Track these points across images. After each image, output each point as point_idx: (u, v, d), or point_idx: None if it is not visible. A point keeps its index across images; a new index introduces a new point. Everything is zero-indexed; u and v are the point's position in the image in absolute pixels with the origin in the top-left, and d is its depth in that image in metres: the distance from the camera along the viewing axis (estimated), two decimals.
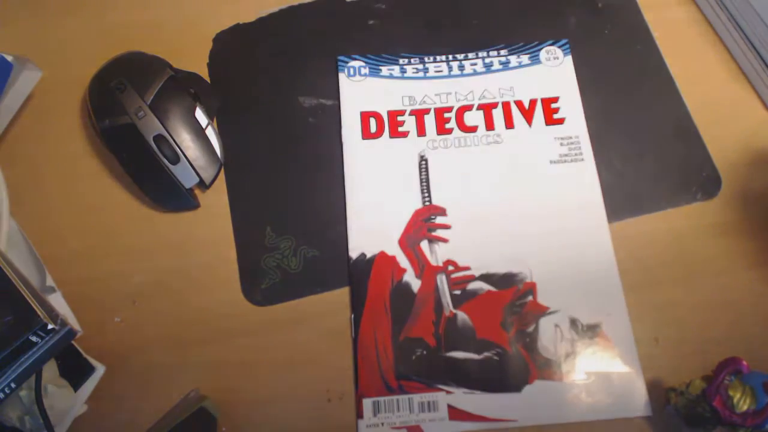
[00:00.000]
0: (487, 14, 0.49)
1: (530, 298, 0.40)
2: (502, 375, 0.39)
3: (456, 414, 0.38)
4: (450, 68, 0.48)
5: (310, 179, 0.45)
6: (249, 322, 0.41)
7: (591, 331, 0.39)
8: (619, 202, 0.43)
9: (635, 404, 0.38)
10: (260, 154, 0.46)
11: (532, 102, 0.46)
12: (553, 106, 0.46)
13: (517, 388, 0.38)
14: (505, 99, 0.46)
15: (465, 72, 0.47)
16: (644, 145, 0.45)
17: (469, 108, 0.46)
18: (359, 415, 0.38)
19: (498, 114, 0.46)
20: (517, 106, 0.46)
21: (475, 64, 0.48)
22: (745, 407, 0.33)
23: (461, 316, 0.40)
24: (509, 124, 0.45)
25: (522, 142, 0.45)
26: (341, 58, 0.48)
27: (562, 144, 0.45)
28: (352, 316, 0.41)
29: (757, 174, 0.44)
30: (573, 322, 0.40)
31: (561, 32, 0.48)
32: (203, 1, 0.51)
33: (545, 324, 0.40)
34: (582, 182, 0.44)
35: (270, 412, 0.39)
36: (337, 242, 0.43)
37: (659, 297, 0.41)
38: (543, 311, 0.40)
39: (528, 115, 0.46)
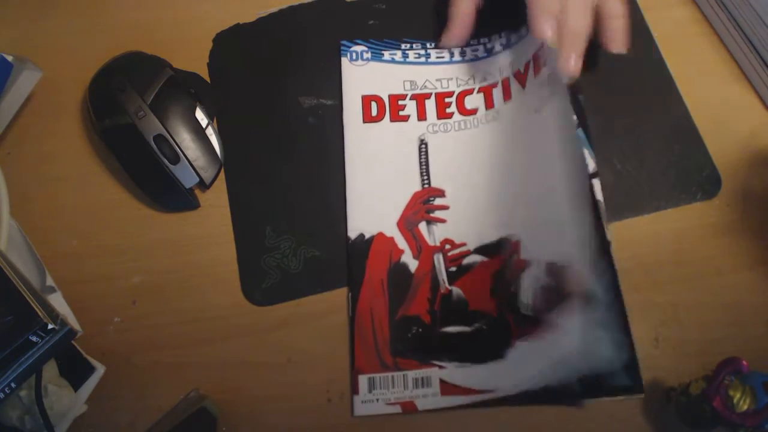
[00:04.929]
0: (488, 9, 0.49)
1: (515, 257, 0.40)
2: (488, 343, 0.39)
3: (447, 389, 0.38)
4: (452, 54, 0.48)
5: (310, 179, 0.45)
6: (249, 322, 0.41)
7: (567, 270, 0.37)
8: (619, 202, 0.43)
9: (616, 358, 0.36)
10: (260, 154, 0.46)
11: (526, 65, 0.45)
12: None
13: (500, 354, 0.38)
14: (504, 75, 0.46)
15: (466, 57, 0.47)
16: (644, 145, 0.45)
17: (469, 92, 0.46)
18: (355, 391, 0.39)
19: (497, 92, 0.46)
20: (516, 76, 0.45)
21: (476, 50, 0.48)
22: (745, 407, 0.33)
23: (456, 291, 0.40)
24: (507, 96, 0.45)
25: (517, 107, 0.44)
26: (344, 42, 0.48)
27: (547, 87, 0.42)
28: (350, 294, 0.41)
29: (757, 174, 0.44)
30: (549, 267, 0.38)
31: None
32: (203, 1, 0.51)
33: (526, 279, 0.39)
34: (562, 121, 0.41)
35: (270, 412, 0.39)
36: (337, 242, 0.43)
37: (659, 297, 0.41)
38: (523, 266, 0.39)
39: (522, 78, 0.45)
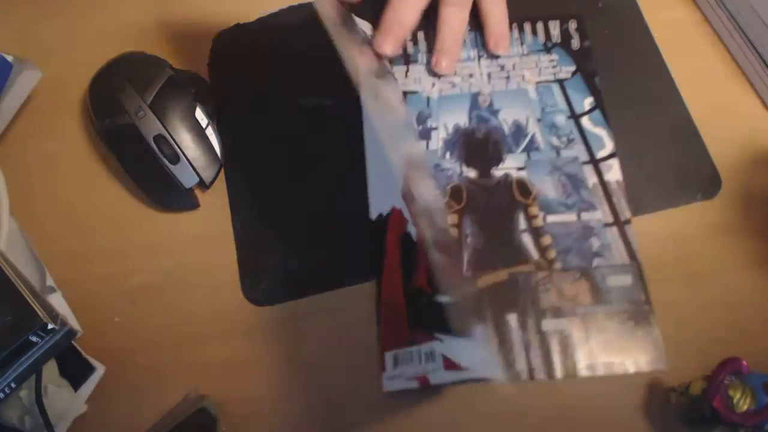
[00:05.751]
0: None
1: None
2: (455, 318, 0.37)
3: (448, 363, 0.37)
4: None
5: (310, 179, 0.45)
6: (249, 322, 0.41)
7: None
8: None
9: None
10: (260, 154, 0.46)
11: None
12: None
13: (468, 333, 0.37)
14: None
15: None
16: (644, 145, 0.45)
17: None
18: (383, 368, 0.38)
19: None
20: None
21: None
22: (745, 407, 0.33)
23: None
24: None
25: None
26: None
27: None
28: (377, 278, 0.40)
29: (757, 174, 0.44)
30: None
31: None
32: (203, 1, 0.51)
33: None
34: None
35: (270, 412, 0.39)
36: (337, 242, 0.43)
37: (659, 297, 0.41)
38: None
39: None
